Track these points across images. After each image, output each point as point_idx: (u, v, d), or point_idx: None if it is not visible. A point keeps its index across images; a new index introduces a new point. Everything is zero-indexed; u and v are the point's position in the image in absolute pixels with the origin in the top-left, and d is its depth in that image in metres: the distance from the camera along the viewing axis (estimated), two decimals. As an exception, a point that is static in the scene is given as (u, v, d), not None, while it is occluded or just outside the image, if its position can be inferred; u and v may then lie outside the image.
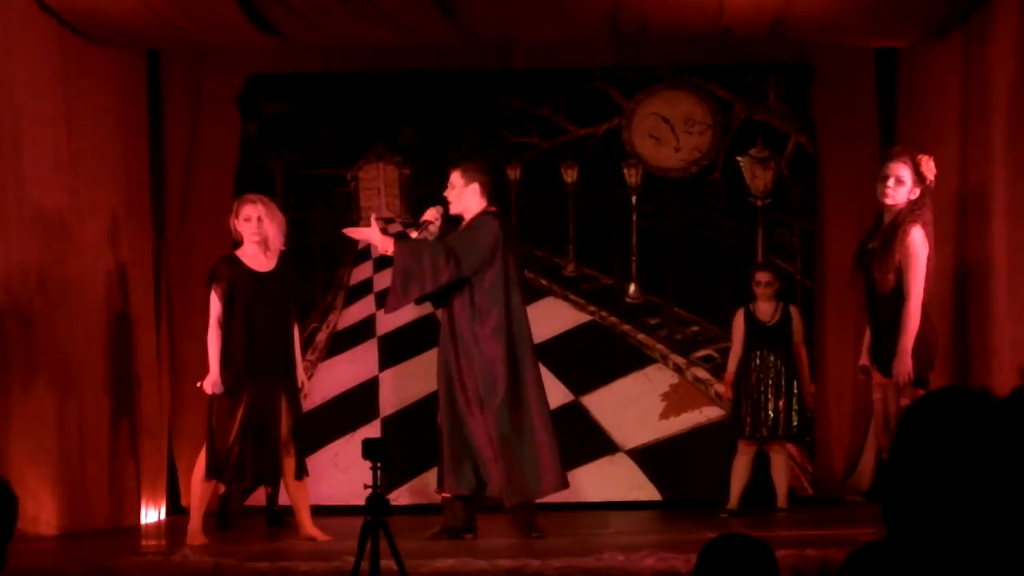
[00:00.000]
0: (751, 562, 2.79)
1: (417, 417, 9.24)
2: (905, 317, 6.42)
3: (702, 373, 9.33)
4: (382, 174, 9.56)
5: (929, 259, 6.49)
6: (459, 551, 6.45)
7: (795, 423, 8.54)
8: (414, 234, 7.38)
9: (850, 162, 9.26)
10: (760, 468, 8.66)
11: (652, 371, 9.36)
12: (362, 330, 9.46)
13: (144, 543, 7.79)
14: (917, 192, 6.51)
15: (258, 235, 7.29)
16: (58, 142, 7.85)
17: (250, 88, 9.45)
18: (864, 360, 6.87)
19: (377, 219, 7.51)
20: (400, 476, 9.01)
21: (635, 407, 9.30)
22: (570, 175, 9.36)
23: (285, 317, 7.39)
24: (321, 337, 9.40)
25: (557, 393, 9.22)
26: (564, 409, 9.02)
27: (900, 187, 6.50)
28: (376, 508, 5.13)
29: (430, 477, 9.09)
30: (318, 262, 9.37)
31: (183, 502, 8.67)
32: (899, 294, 6.46)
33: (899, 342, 6.42)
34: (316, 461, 8.46)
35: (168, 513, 8.88)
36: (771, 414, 8.48)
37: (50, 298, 7.71)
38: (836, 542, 6.21)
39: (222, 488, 7.81)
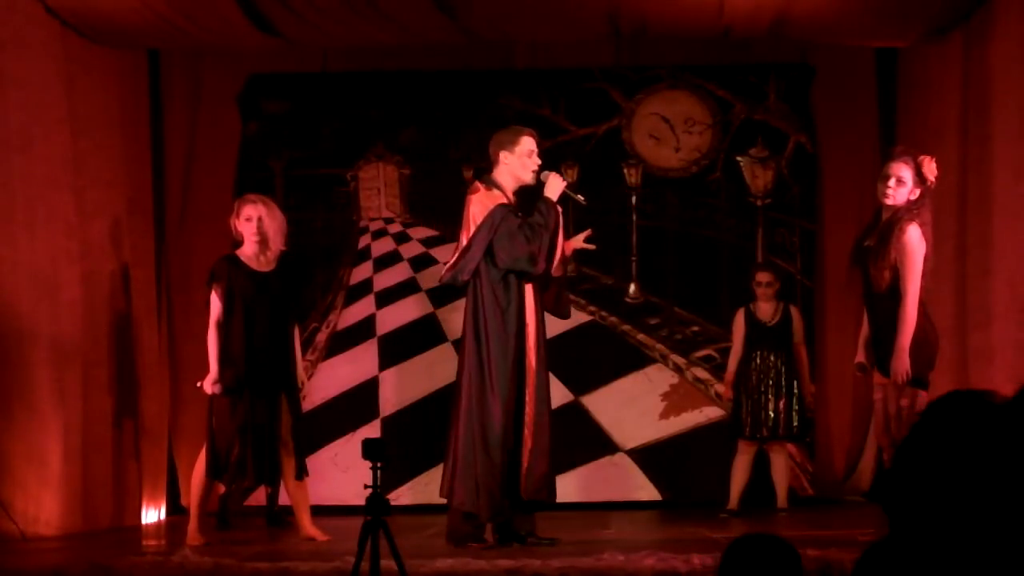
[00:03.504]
0: (777, 562, 2.77)
1: (417, 417, 9.25)
2: (902, 316, 6.40)
3: (702, 373, 9.33)
4: (382, 174, 9.56)
5: (927, 258, 6.46)
6: (459, 551, 6.45)
7: (795, 423, 8.53)
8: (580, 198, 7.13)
9: (850, 162, 9.26)
10: (760, 468, 8.66)
11: (652, 371, 9.36)
12: (362, 330, 9.46)
13: (144, 543, 7.79)
14: (917, 193, 6.50)
15: (258, 235, 7.29)
16: (63, 142, 7.86)
17: (250, 88, 9.45)
18: (860, 357, 6.84)
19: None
20: (400, 476, 9.01)
21: (635, 407, 9.30)
22: (570, 175, 9.35)
23: (285, 317, 7.38)
24: (321, 337, 9.40)
25: (557, 393, 9.22)
26: (564, 409, 9.01)
27: (901, 187, 6.49)
28: (376, 508, 5.13)
29: (430, 477, 9.11)
30: (318, 262, 9.37)
31: (183, 502, 8.67)
32: (895, 292, 6.44)
33: (896, 341, 6.40)
34: (316, 461, 8.46)
35: (168, 513, 8.88)
36: (771, 414, 8.48)
37: (55, 298, 7.72)
38: (836, 542, 6.21)
39: (222, 488, 7.80)
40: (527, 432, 6.78)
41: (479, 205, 6.86)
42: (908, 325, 6.38)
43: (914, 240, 6.41)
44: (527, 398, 6.80)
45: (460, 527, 6.81)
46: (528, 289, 6.88)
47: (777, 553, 2.79)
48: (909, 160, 6.51)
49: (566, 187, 6.95)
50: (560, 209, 6.92)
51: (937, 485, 2.09)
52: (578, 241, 7.17)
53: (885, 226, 6.50)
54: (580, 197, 7.02)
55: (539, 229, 6.77)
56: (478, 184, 7.02)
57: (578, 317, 9.37)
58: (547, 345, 7.02)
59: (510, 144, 6.94)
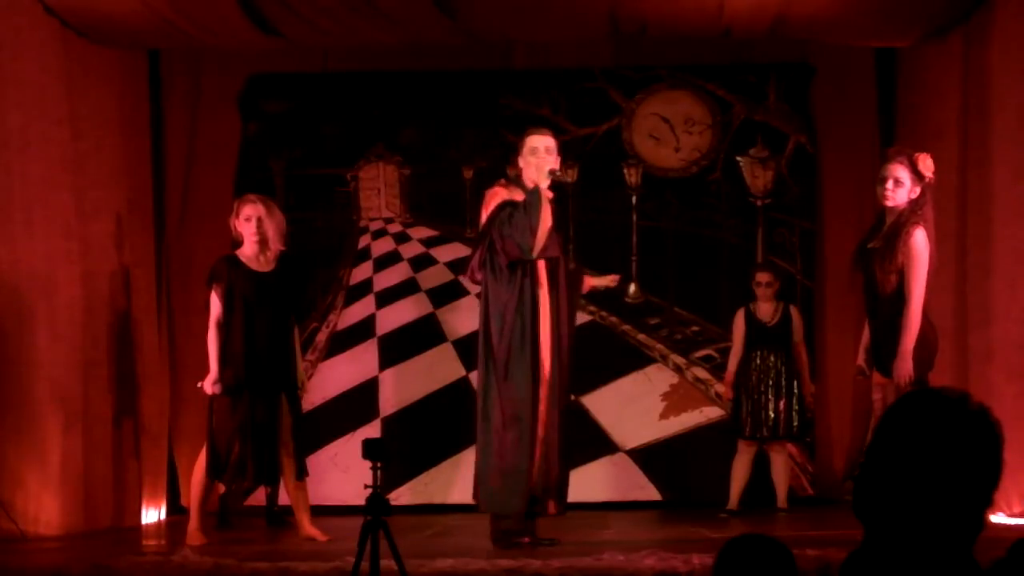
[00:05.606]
0: (770, 563, 2.77)
1: (417, 417, 9.24)
2: (906, 319, 6.38)
3: (702, 373, 9.33)
4: (382, 174, 9.56)
5: (930, 259, 6.46)
6: (459, 551, 6.45)
7: (795, 423, 8.54)
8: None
9: (850, 162, 9.26)
10: (760, 468, 8.66)
11: (652, 371, 9.36)
12: (362, 330, 9.46)
13: (144, 543, 7.79)
14: (917, 191, 6.49)
15: (258, 235, 7.29)
16: (63, 142, 7.86)
17: (250, 88, 9.45)
18: (861, 360, 6.83)
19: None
20: (400, 476, 9.01)
21: (635, 407, 9.30)
22: (570, 175, 9.35)
23: (285, 317, 7.38)
24: (321, 337, 9.40)
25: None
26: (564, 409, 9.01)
27: (899, 188, 6.47)
28: (376, 508, 5.12)
29: (430, 477, 9.11)
30: (318, 262, 9.36)
31: (183, 502, 8.67)
32: (900, 295, 6.42)
33: (900, 344, 6.38)
34: (316, 461, 8.46)
35: (168, 513, 8.88)
36: (771, 414, 8.48)
37: (55, 298, 7.72)
38: (836, 542, 6.19)
39: (222, 488, 7.80)
40: (539, 427, 6.77)
41: (490, 202, 6.89)
42: (912, 328, 6.37)
43: (920, 244, 6.39)
44: (541, 395, 6.78)
45: (497, 528, 6.80)
46: (541, 283, 6.85)
47: (771, 554, 2.80)
48: (904, 160, 6.50)
49: (550, 171, 6.91)
50: (551, 195, 6.87)
51: (899, 488, 2.10)
52: (603, 281, 7.25)
53: (891, 229, 6.47)
54: (559, 173, 6.98)
55: (517, 216, 6.76)
56: (498, 181, 7.05)
57: (578, 317, 9.37)
58: (569, 344, 6.97)
59: (519, 148, 6.96)
